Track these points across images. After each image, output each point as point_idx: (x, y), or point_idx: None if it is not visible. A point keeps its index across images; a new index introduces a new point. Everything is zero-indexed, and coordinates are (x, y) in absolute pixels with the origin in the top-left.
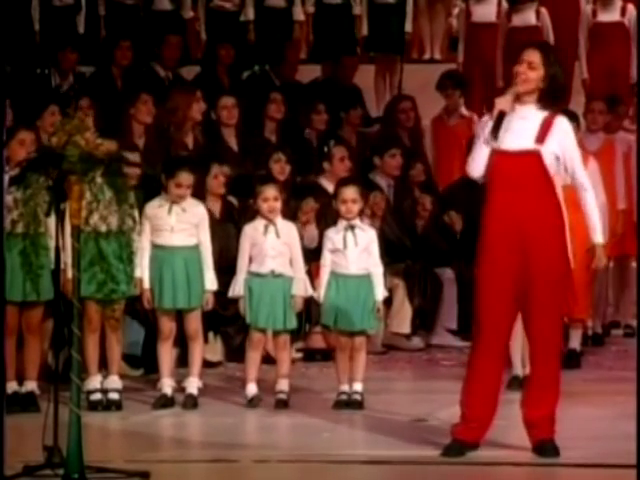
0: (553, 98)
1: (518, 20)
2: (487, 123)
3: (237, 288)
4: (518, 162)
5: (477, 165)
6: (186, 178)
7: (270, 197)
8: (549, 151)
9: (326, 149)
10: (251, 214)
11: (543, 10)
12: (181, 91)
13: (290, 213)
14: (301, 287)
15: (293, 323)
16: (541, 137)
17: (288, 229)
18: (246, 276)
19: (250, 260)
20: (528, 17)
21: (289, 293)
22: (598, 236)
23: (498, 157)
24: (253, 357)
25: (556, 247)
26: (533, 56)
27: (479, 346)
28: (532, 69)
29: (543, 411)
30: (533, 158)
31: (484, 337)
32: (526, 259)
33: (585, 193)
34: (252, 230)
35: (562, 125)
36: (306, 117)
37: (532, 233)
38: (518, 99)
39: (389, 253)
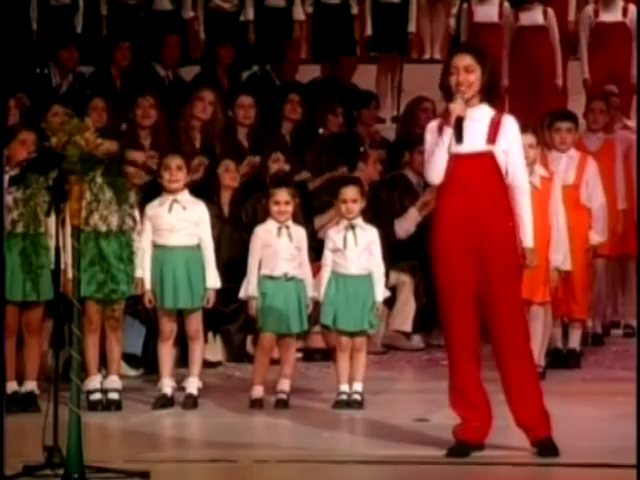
0: (492, 93)
1: (526, 19)
2: (435, 130)
3: (250, 289)
4: (472, 164)
5: (439, 171)
6: (173, 159)
7: (281, 201)
8: (501, 150)
9: (362, 149)
10: (263, 215)
11: (550, 10)
12: (195, 90)
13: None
14: (311, 290)
15: (305, 326)
16: (492, 137)
17: (299, 233)
18: (258, 279)
19: (259, 262)
20: (535, 17)
21: (302, 295)
22: (528, 240)
23: (453, 161)
24: (262, 361)
25: (510, 249)
26: (466, 60)
27: (452, 348)
28: (470, 72)
29: (532, 411)
30: (486, 159)
31: (454, 339)
32: (482, 262)
33: (522, 197)
34: (264, 231)
35: (510, 124)
36: (322, 117)
37: (487, 235)
38: (466, 103)
39: (400, 250)
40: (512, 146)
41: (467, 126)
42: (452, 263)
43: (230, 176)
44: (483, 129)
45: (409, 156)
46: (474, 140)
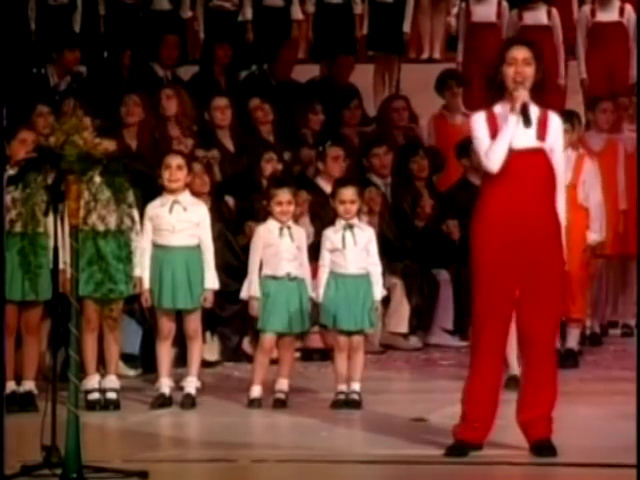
0: (540, 90)
1: (529, 19)
2: (485, 120)
3: (252, 289)
4: (524, 160)
5: (500, 159)
6: (173, 159)
7: (284, 201)
8: (549, 147)
9: (321, 149)
10: (263, 215)
11: (554, 10)
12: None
13: None
14: (309, 290)
15: (307, 325)
16: (542, 134)
17: (300, 233)
18: (260, 279)
19: (260, 262)
20: (540, 16)
21: (304, 295)
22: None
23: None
24: (262, 360)
25: (556, 247)
26: (525, 53)
27: (479, 345)
28: (528, 65)
29: (538, 411)
30: (538, 156)
31: (485, 336)
32: (528, 258)
33: (560, 193)
34: (266, 231)
35: (556, 122)
36: (303, 116)
37: (535, 232)
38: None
39: (387, 252)
40: (555, 144)
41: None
42: (496, 256)
43: (199, 182)
44: (533, 125)
45: (366, 161)
46: (524, 136)
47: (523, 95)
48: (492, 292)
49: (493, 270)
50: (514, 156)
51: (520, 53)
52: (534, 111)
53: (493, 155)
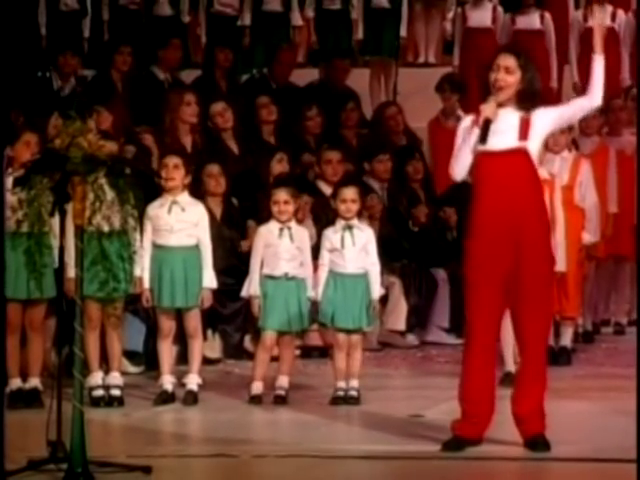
0: (530, 100)
1: (522, 23)
2: (468, 128)
3: (252, 288)
4: (505, 161)
5: (461, 169)
6: (171, 158)
7: (280, 200)
8: (534, 146)
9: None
10: (266, 215)
11: (547, 15)
12: (174, 93)
13: None
14: (310, 289)
15: (306, 324)
16: (524, 134)
17: (301, 233)
18: (260, 278)
19: (261, 262)
20: (532, 21)
21: (303, 294)
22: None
23: (484, 158)
24: (263, 358)
25: (545, 244)
26: (508, 61)
27: (472, 343)
28: (509, 74)
29: (531, 406)
30: (520, 155)
31: (477, 334)
32: (518, 257)
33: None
34: (267, 231)
35: (540, 114)
36: (299, 121)
37: (524, 231)
38: (500, 104)
39: (386, 253)
40: (548, 112)
41: (498, 125)
42: (485, 257)
43: (214, 182)
44: (513, 127)
45: (369, 165)
46: (506, 137)
47: (487, 110)
48: (482, 292)
49: (483, 271)
50: (494, 157)
51: (503, 61)
52: (518, 113)
53: (454, 163)
